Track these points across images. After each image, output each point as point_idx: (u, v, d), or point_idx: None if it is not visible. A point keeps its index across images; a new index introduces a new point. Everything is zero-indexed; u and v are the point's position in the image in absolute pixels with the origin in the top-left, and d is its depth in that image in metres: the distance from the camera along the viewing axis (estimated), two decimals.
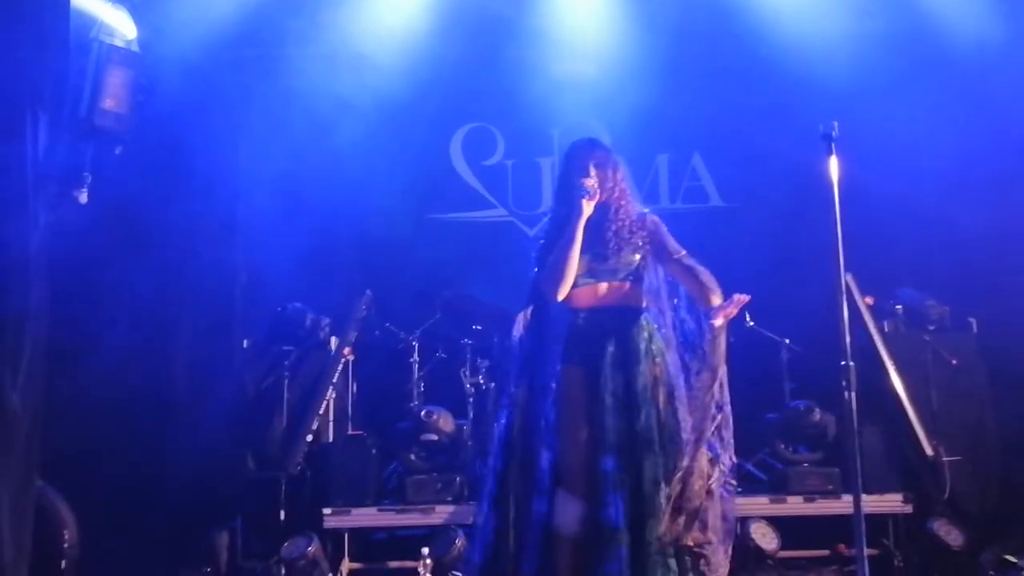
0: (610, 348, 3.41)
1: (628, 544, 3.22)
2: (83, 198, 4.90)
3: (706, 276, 3.45)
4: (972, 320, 5.68)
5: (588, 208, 3.44)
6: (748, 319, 5.88)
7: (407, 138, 6.63)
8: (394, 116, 6.48)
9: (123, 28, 5.16)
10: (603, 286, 3.49)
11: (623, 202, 3.56)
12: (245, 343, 5.87)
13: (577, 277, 3.47)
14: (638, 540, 3.23)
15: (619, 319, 3.47)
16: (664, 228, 3.60)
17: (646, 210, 3.64)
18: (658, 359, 3.44)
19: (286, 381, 5.60)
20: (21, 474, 4.22)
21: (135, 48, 5.21)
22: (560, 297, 3.47)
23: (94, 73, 4.93)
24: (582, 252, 3.45)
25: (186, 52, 5.74)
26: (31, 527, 4.22)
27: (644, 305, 3.52)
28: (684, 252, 3.55)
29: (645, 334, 3.46)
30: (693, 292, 3.51)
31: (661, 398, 3.40)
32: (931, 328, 5.58)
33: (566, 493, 3.35)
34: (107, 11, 5.06)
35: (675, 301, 3.60)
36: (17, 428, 4.21)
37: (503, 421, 3.53)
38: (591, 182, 3.45)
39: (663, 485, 3.28)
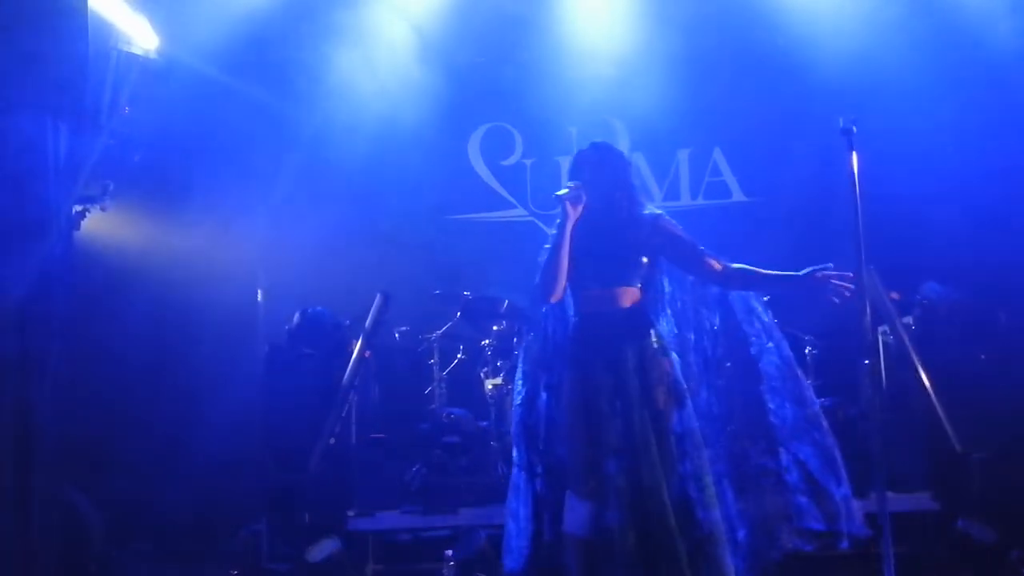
0: (606, 352, 3.37)
1: (635, 544, 3.19)
2: (106, 206, 4.96)
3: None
4: (1001, 315, 5.59)
5: (571, 211, 3.40)
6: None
7: (425, 139, 6.64)
8: (411, 117, 6.48)
9: (143, 37, 5.21)
10: (606, 290, 3.44)
11: (624, 203, 3.49)
12: (267, 347, 5.89)
13: (585, 280, 3.46)
14: (644, 541, 3.20)
15: (615, 322, 3.41)
16: (681, 229, 3.52)
17: (658, 211, 3.57)
18: (660, 361, 3.37)
19: (308, 384, 5.61)
20: (49, 479, 4.27)
21: (154, 56, 5.26)
22: (552, 300, 3.47)
23: (114, 81, 4.98)
24: (586, 256, 3.44)
25: (204, 57, 5.78)
26: (60, 531, 4.28)
27: (649, 307, 3.47)
28: (703, 249, 3.49)
29: (644, 337, 3.40)
30: (738, 286, 3.48)
31: (661, 399, 3.33)
32: (958, 323, 5.49)
33: (574, 496, 3.35)
34: (127, 20, 5.10)
35: (681, 300, 3.55)
36: (44, 434, 4.27)
37: (518, 424, 3.55)
38: (572, 185, 3.43)
39: (665, 485, 3.23)
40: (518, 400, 3.57)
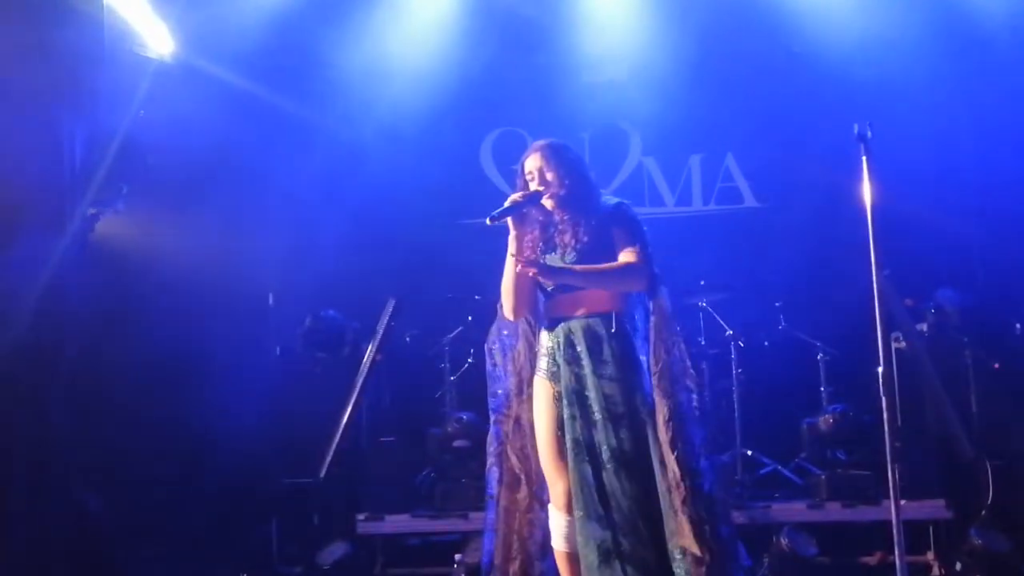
0: (567, 361, 3.30)
1: (616, 556, 3.15)
2: (119, 208, 4.99)
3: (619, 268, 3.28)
4: (1016, 323, 5.55)
5: (512, 227, 3.35)
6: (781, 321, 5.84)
7: (437, 143, 6.65)
8: (424, 121, 6.50)
9: (160, 40, 5.24)
10: (571, 294, 3.35)
11: (565, 201, 3.36)
12: (278, 350, 5.90)
13: (555, 286, 3.38)
14: (625, 551, 3.15)
15: (575, 329, 3.31)
16: (627, 218, 3.34)
17: (613, 200, 3.43)
18: (619, 366, 3.25)
19: (319, 388, 5.63)
20: (62, 480, 4.30)
21: (170, 60, 5.30)
22: (512, 317, 3.41)
23: (129, 84, 5.01)
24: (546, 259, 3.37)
25: (221, 61, 5.80)
26: (72, 531, 4.31)
27: (616, 309, 3.30)
28: (633, 248, 3.28)
29: (610, 343, 3.27)
30: None
31: (621, 407, 3.22)
32: (972, 330, 5.46)
33: (556, 511, 3.33)
34: (143, 23, 5.14)
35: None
36: (58, 435, 4.31)
37: (493, 432, 3.51)
38: (516, 198, 3.34)
39: (645, 494, 3.16)
40: (492, 431, 3.49)
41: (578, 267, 3.29)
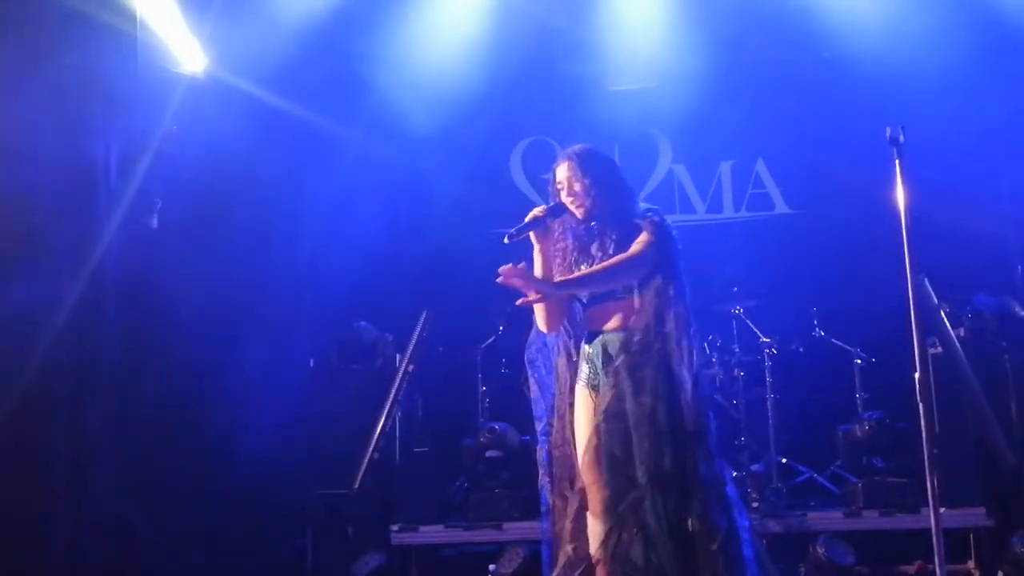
0: (604, 374, 3.27)
1: (651, 562, 3.12)
2: (153, 223, 5.05)
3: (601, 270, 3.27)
4: None
5: (536, 242, 3.39)
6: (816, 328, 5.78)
7: (466, 153, 6.67)
8: (453, 131, 6.53)
9: (192, 57, 5.31)
10: (603, 307, 3.33)
11: (594, 211, 3.35)
12: (311, 362, 5.94)
13: (588, 298, 3.37)
14: (660, 557, 3.13)
15: (611, 342, 3.28)
16: (648, 228, 3.27)
17: (643, 207, 3.39)
18: (656, 381, 3.19)
19: (352, 399, 5.65)
20: (102, 495, 4.35)
21: (202, 76, 5.36)
22: (546, 330, 3.41)
23: (162, 100, 5.08)
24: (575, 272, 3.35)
25: (251, 77, 5.85)
26: (111, 543, 4.35)
27: (651, 322, 3.22)
28: (633, 250, 3.23)
29: (640, 356, 3.21)
30: None
31: (659, 425, 3.17)
32: (1010, 335, 5.38)
33: (591, 517, 3.30)
34: (176, 40, 5.21)
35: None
36: (97, 452, 4.35)
37: (541, 442, 3.51)
38: (537, 213, 3.37)
39: (667, 514, 3.13)
40: (540, 442, 3.49)
41: (573, 275, 3.29)
